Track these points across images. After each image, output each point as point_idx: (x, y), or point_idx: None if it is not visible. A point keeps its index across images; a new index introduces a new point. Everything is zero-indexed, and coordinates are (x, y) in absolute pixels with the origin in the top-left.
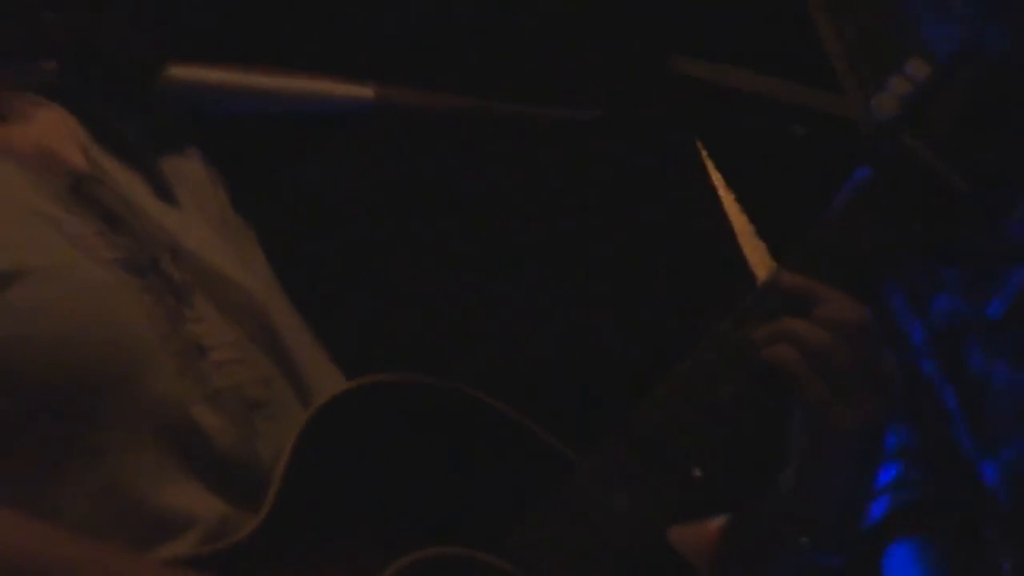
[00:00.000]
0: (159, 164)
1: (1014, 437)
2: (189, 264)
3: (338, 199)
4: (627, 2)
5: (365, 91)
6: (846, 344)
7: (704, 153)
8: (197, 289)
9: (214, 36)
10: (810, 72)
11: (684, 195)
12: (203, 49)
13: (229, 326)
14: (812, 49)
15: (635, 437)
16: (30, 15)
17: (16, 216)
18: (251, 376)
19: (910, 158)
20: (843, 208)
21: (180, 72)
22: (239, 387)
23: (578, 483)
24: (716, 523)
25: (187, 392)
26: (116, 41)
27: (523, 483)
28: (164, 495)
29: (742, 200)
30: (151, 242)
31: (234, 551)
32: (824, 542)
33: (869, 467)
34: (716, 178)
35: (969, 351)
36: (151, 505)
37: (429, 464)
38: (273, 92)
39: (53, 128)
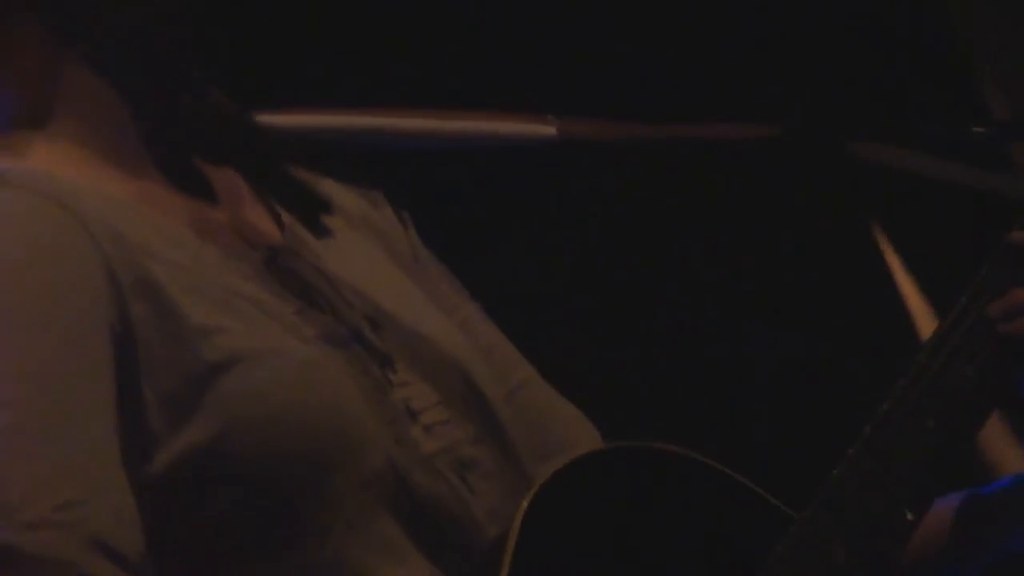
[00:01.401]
0: (346, 211)
1: None
2: (388, 328)
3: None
4: (802, 88)
5: (547, 128)
6: None
7: (881, 235)
8: (397, 352)
9: (401, 83)
10: (988, 159)
11: (860, 275)
12: (389, 94)
13: (432, 386)
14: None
15: (844, 490)
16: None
17: (222, 301)
18: (460, 436)
19: None
20: None
21: (371, 118)
22: (451, 448)
23: (796, 540)
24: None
25: (404, 460)
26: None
27: (750, 547)
28: (388, 567)
29: (918, 281)
30: (349, 312)
31: None
32: None
33: None
34: (893, 260)
35: None
36: None
37: (659, 532)
38: (458, 133)
39: (237, 195)
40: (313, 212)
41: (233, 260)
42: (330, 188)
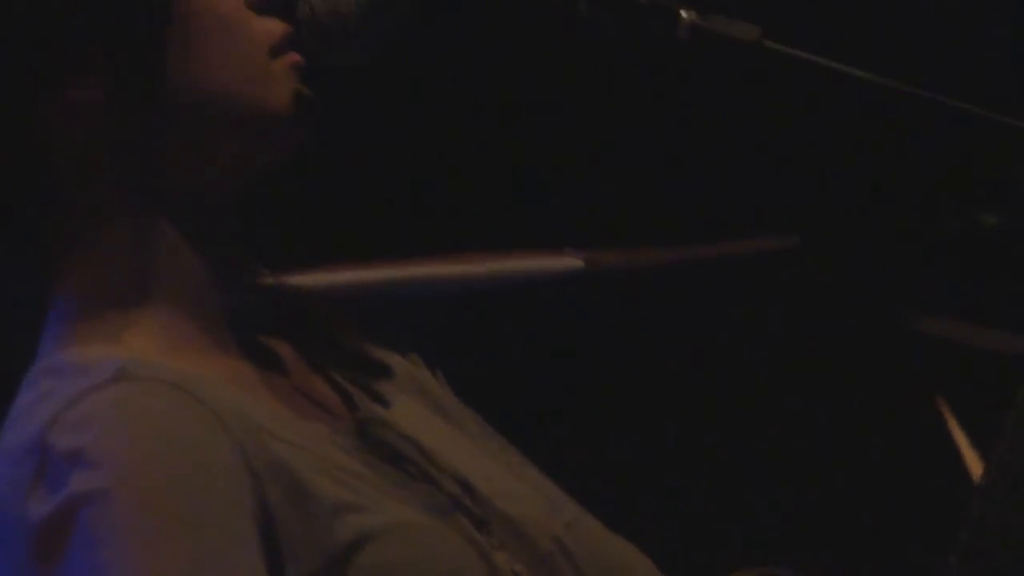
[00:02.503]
0: (394, 374)
1: None
2: (472, 491)
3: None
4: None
5: (574, 261)
6: None
7: (946, 411)
8: (488, 515)
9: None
10: None
11: (925, 451)
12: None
13: (521, 544)
14: None
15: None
16: None
17: (338, 477)
18: None
19: None
20: None
21: (399, 269)
22: None
23: None
24: None
25: None
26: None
27: None
28: None
29: (986, 458)
30: (442, 478)
31: None
32: None
33: None
34: (959, 436)
35: None
36: None
37: None
38: (486, 274)
39: (298, 367)
40: (372, 380)
41: (331, 434)
42: (375, 351)
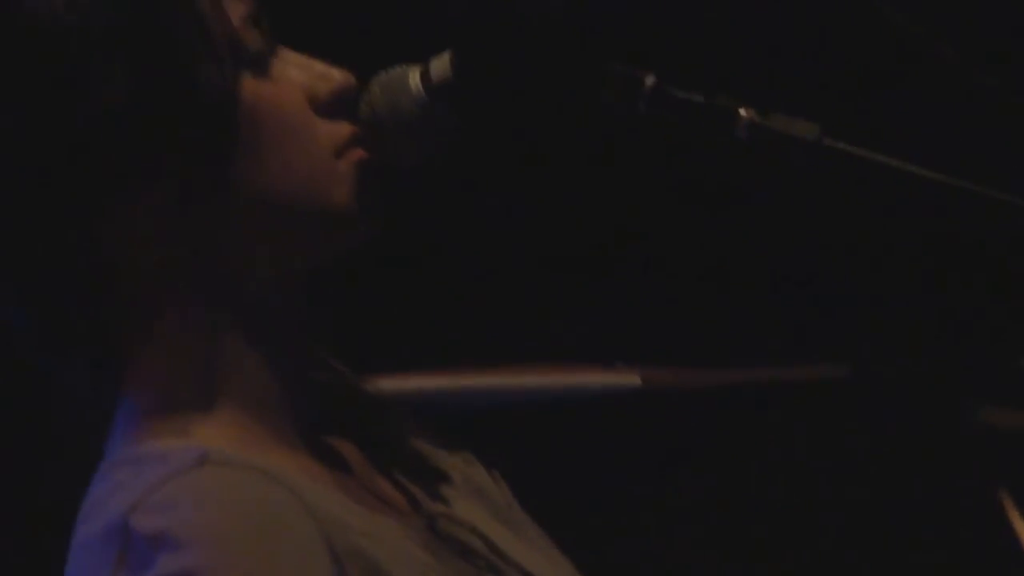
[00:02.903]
0: (460, 481)
1: None
2: None
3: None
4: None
5: (631, 378)
6: None
7: (1009, 503)
8: None
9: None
10: None
11: (986, 544)
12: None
13: None
14: None
15: None
16: None
17: (408, 567)
18: None
19: None
20: None
21: (460, 379)
22: None
23: None
24: None
25: None
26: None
27: None
28: None
29: None
30: (510, 572)
31: None
32: None
33: None
34: (1022, 529)
35: None
36: None
37: None
38: (546, 387)
39: (361, 465)
40: (433, 481)
41: (402, 528)
42: (433, 452)
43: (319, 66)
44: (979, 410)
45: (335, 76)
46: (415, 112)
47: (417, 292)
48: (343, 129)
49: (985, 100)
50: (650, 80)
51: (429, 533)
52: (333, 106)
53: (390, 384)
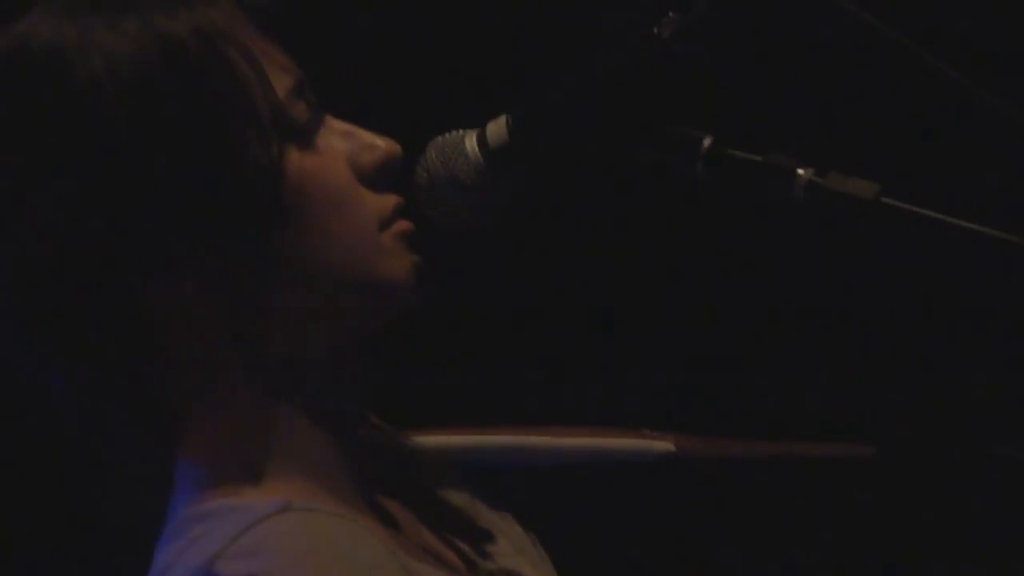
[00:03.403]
0: (502, 540)
1: None
2: None
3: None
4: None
5: (664, 444)
6: None
7: None
8: None
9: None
10: None
11: None
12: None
13: None
14: None
15: None
16: None
17: None
18: None
19: None
20: None
21: (495, 436)
22: None
23: None
24: None
25: None
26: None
27: None
28: None
29: None
30: None
31: None
32: None
33: None
34: None
35: None
36: None
37: None
38: (579, 449)
39: (411, 523)
40: (481, 539)
41: None
42: (477, 508)
43: (366, 135)
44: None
45: (381, 146)
46: (472, 177)
47: (452, 350)
48: (388, 201)
49: None
50: (707, 141)
51: None
52: (379, 176)
53: (428, 440)
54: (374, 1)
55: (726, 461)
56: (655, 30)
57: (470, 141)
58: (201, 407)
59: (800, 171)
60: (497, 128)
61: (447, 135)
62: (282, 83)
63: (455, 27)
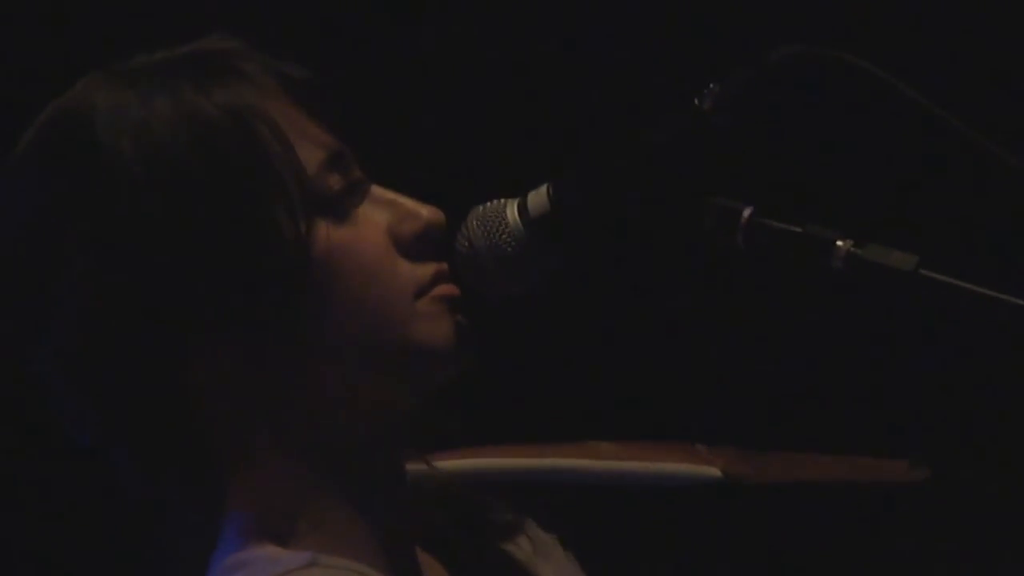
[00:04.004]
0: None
1: None
2: None
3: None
4: None
5: (712, 470)
6: None
7: None
8: None
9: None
10: None
11: None
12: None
13: None
14: None
15: None
16: None
17: None
18: None
19: None
20: None
21: (542, 459)
22: None
23: None
24: None
25: None
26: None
27: None
28: None
29: None
30: None
31: None
32: None
33: None
34: None
35: None
36: None
37: None
38: (627, 473)
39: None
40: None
41: None
42: (518, 537)
43: (408, 204)
44: None
45: (423, 215)
46: (513, 246)
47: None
48: (427, 269)
49: None
50: (747, 212)
51: None
52: (420, 245)
53: (475, 462)
54: (421, 71)
55: (776, 486)
56: (696, 101)
57: (511, 210)
58: (246, 464)
59: (839, 243)
60: (538, 197)
61: (488, 204)
62: (314, 156)
63: (499, 97)
